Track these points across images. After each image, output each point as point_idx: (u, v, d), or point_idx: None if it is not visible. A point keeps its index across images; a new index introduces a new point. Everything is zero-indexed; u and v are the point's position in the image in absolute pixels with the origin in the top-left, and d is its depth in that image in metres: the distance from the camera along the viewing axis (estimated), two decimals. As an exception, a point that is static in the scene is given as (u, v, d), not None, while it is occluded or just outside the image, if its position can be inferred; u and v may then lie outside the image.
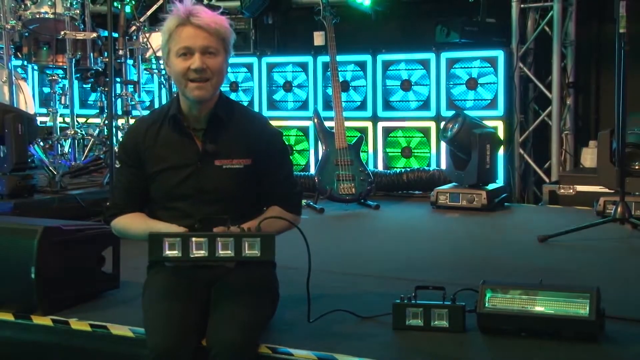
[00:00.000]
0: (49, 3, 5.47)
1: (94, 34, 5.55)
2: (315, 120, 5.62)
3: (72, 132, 5.59)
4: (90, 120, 6.47)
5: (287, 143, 2.69)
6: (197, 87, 2.38)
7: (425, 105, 6.25)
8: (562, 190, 5.51)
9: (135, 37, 5.85)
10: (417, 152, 6.28)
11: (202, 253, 2.23)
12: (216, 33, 2.37)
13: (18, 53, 5.57)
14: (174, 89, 5.56)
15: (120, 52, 5.71)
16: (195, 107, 2.45)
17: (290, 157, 2.68)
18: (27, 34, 5.48)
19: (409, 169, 5.99)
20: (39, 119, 5.98)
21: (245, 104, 6.61)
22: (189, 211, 2.45)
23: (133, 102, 5.84)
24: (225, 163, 2.45)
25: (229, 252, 2.23)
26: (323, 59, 6.43)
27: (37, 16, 5.51)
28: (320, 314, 2.61)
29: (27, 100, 5.67)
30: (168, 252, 2.24)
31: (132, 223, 2.50)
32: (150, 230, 2.33)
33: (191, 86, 2.38)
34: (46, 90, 6.88)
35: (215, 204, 2.45)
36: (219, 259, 2.25)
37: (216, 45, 2.38)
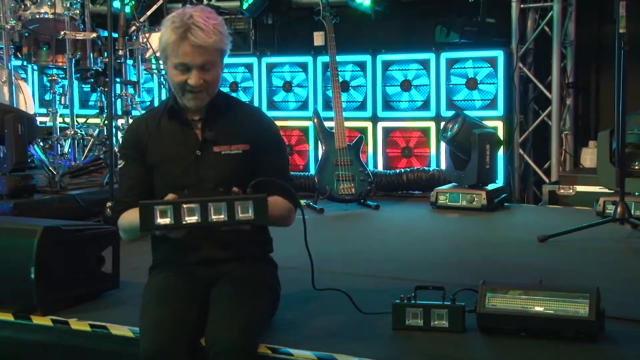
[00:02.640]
0: (49, 3, 5.47)
1: (94, 34, 5.55)
2: (315, 120, 5.62)
3: (72, 132, 5.59)
4: (90, 121, 6.46)
5: (282, 136, 2.69)
6: (193, 98, 2.42)
7: (425, 105, 6.25)
8: (562, 191, 5.51)
9: (135, 37, 5.85)
10: (417, 152, 6.28)
11: (194, 219, 2.18)
12: (213, 47, 2.37)
13: (18, 53, 5.56)
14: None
15: (120, 52, 5.71)
16: None
17: (287, 153, 2.69)
18: (27, 34, 5.48)
19: (408, 169, 5.99)
20: (39, 119, 5.98)
21: (245, 104, 6.60)
22: None
23: (133, 103, 5.84)
24: (224, 149, 2.48)
25: (222, 216, 2.18)
26: (323, 59, 6.43)
27: (37, 16, 5.51)
28: (326, 288, 2.61)
29: (27, 101, 5.66)
30: (160, 221, 2.17)
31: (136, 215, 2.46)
32: None
33: (188, 96, 2.42)
34: (46, 90, 6.87)
35: (217, 191, 2.45)
36: (212, 224, 2.19)
37: (213, 59, 2.40)
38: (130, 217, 2.46)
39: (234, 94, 6.70)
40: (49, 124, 5.78)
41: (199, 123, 2.50)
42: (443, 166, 5.89)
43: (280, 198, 2.47)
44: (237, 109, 2.57)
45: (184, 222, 2.17)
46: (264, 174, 2.50)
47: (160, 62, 2.56)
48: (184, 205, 2.17)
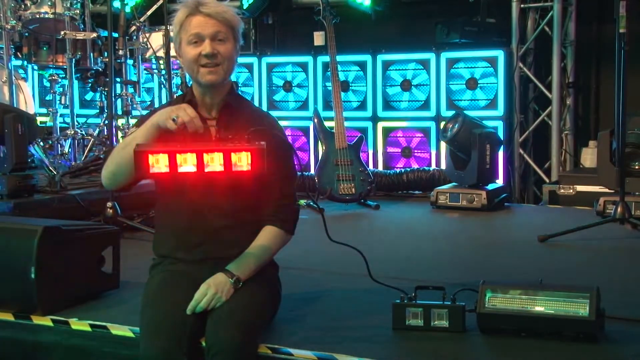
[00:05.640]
0: (49, 3, 5.47)
1: (94, 34, 5.55)
2: (315, 120, 5.62)
3: (72, 132, 5.59)
4: (90, 121, 6.47)
5: (289, 144, 2.67)
6: (208, 72, 2.42)
7: (425, 105, 6.26)
8: (562, 190, 5.51)
9: (135, 37, 5.85)
10: (417, 152, 6.29)
11: (190, 168, 2.17)
12: (224, 21, 2.45)
13: (18, 53, 5.57)
14: (174, 89, 5.56)
15: (120, 52, 5.71)
16: (209, 93, 2.48)
17: (293, 162, 2.63)
18: (27, 34, 5.48)
19: (409, 169, 5.99)
20: (39, 119, 5.98)
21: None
22: (195, 199, 2.44)
23: (133, 102, 5.84)
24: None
25: (218, 166, 2.17)
26: (323, 58, 6.43)
27: (37, 16, 5.51)
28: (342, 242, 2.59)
29: (27, 100, 5.66)
30: (154, 169, 2.17)
31: (119, 144, 2.41)
32: (143, 128, 2.32)
33: (203, 71, 2.42)
34: (46, 90, 6.87)
35: (224, 192, 2.44)
36: (208, 175, 2.18)
37: (225, 32, 2.45)
38: (113, 153, 2.42)
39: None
40: (49, 123, 5.79)
41: (214, 122, 2.50)
42: (443, 166, 5.89)
43: (275, 237, 2.48)
44: (250, 112, 2.57)
45: (180, 171, 2.16)
46: (270, 187, 2.50)
47: (176, 51, 2.56)
48: (180, 155, 2.17)
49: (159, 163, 2.16)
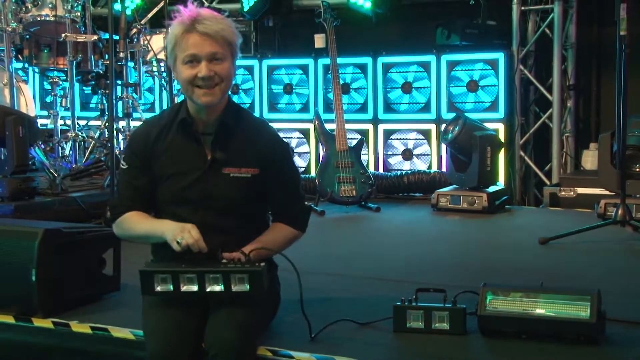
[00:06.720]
0: (50, 5, 5.47)
1: (95, 37, 5.55)
2: (316, 122, 5.62)
3: (73, 134, 5.59)
4: (91, 123, 6.47)
5: (292, 153, 2.69)
6: (204, 94, 2.35)
7: (426, 107, 6.26)
8: (562, 193, 5.51)
9: (136, 40, 5.86)
10: (418, 154, 6.29)
11: (192, 288, 2.27)
12: (222, 39, 2.35)
13: (19, 55, 5.57)
14: (175, 91, 5.57)
15: (121, 55, 5.71)
16: (204, 111, 2.42)
17: (298, 171, 2.66)
18: (28, 36, 5.49)
19: (409, 171, 5.99)
20: (40, 122, 5.98)
21: (246, 106, 6.62)
22: (193, 218, 2.39)
23: (134, 105, 5.84)
24: (233, 171, 2.43)
25: (219, 287, 2.26)
26: (324, 61, 6.44)
27: (38, 19, 5.51)
28: (322, 327, 2.55)
29: (28, 103, 5.68)
30: (159, 288, 2.29)
31: (139, 222, 2.44)
32: (154, 231, 2.36)
33: (198, 92, 2.35)
34: (47, 92, 6.87)
35: (220, 212, 2.43)
36: (210, 294, 2.28)
37: (223, 51, 2.36)
38: (131, 222, 2.46)
39: (234, 97, 6.71)
40: (50, 126, 5.79)
41: (209, 139, 2.44)
42: (444, 168, 5.89)
43: (284, 231, 2.50)
44: (248, 128, 2.49)
45: (183, 290, 2.28)
46: (276, 195, 2.51)
47: (170, 66, 2.51)
48: (183, 275, 2.27)
49: (163, 283, 2.29)
